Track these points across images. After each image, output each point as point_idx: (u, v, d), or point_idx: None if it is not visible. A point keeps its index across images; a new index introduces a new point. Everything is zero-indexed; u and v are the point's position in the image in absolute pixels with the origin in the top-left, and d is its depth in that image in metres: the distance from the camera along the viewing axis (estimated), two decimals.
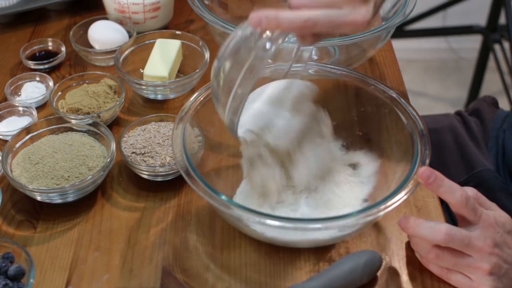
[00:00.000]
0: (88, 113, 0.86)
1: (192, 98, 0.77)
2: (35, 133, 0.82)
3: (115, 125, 0.89)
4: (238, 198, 0.76)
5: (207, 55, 0.93)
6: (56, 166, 0.77)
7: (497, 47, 2.03)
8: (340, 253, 0.70)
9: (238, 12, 1.06)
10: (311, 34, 0.65)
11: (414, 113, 0.75)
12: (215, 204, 0.65)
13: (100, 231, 0.75)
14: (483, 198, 0.70)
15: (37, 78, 0.96)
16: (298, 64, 0.77)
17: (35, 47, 1.01)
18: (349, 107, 0.84)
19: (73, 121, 0.83)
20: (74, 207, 0.78)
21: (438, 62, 2.46)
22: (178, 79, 0.93)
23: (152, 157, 0.79)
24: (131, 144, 0.80)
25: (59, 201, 0.76)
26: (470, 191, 0.68)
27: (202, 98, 0.78)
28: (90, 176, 0.75)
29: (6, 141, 0.85)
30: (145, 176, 0.80)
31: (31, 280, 0.66)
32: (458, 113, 1.04)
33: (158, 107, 0.92)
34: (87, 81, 0.92)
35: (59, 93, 0.90)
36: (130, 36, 1.01)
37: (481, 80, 2.13)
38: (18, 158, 0.79)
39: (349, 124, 0.83)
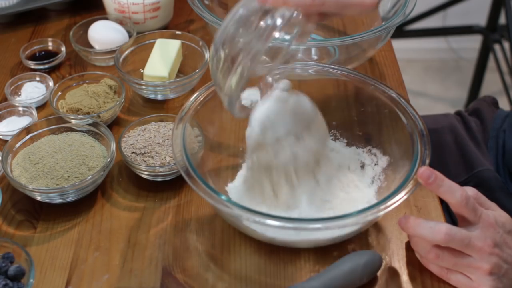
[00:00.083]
0: (88, 113, 0.86)
1: (192, 98, 0.77)
2: (35, 133, 0.82)
3: (115, 125, 0.89)
4: (232, 192, 0.76)
5: (207, 55, 0.93)
6: (56, 166, 0.77)
7: (497, 47, 2.03)
8: (340, 253, 0.70)
9: None
10: (318, 12, 0.65)
11: (414, 113, 0.75)
12: (215, 204, 0.65)
13: (100, 231, 0.75)
14: (483, 198, 0.70)
15: (37, 78, 0.96)
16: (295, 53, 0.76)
17: (35, 47, 1.01)
18: (349, 107, 0.84)
19: (73, 121, 0.83)
20: (74, 207, 0.78)
21: (438, 62, 2.46)
22: (178, 79, 0.93)
23: (152, 157, 0.79)
24: (131, 144, 0.80)
25: (59, 201, 0.76)
26: (470, 191, 0.68)
27: (202, 98, 0.78)
28: (90, 176, 0.75)
29: (6, 141, 0.85)
30: (145, 176, 0.80)
31: (31, 280, 0.66)
32: (458, 113, 1.04)
33: (158, 107, 0.92)
34: (87, 81, 0.92)
35: (59, 93, 0.90)
36: (130, 36, 1.01)
37: (481, 80, 2.13)
38: (18, 158, 0.79)
39: (349, 124, 0.83)
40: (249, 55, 0.63)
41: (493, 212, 0.68)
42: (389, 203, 0.65)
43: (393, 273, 0.70)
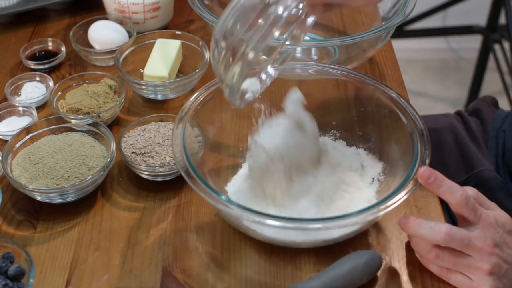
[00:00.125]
0: (88, 113, 0.86)
1: (192, 98, 0.77)
2: (35, 133, 0.82)
3: (115, 125, 0.89)
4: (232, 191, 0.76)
5: (207, 55, 0.93)
6: (56, 166, 0.77)
7: (497, 47, 2.03)
8: (340, 253, 0.70)
9: None
10: (323, 3, 0.64)
11: (414, 113, 0.75)
12: (215, 204, 0.65)
13: (100, 231, 0.75)
14: (483, 198, 0.70)
15: (37, 78, 0.96)
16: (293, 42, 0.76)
17: (35, 47, 1.01)
18: (349, 107, 0.84)
19: (73, 121, 0.83)
20: (74, 207, 0.78)
21: (438, 62, 2.46)
22: (178, 79, 0.93)
23: (152, 157, 0.79)
24: (131, 144, 0.80)
25: (59, 201, 0.76)
26: (470, 191, 0.68)
27: (202, 98, 0.78)
28: (90, 176, 0.75)
29: (6, 141, 0.85)
30: (145, 176, 0.80)
31: (31, 280, 0.66)
32: (458, 113, 1.04)
33: (158, 107, 0.92)
34: (87, 81, 0.92)
35: (59, 93, 0.90)
36: (130, 36, 1.01)
37: (481, 80, 2.13)
38: (18, 158, 0.79)
39: (349, 124, 0.83)
40: (250, 47, 0.63)
41: (493, 212, 0.68)
42: (389, 203, 0.65)
43: (393, 273, 0.70)
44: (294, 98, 0.75)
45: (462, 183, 0.69)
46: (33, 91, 0.93)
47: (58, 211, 0.77)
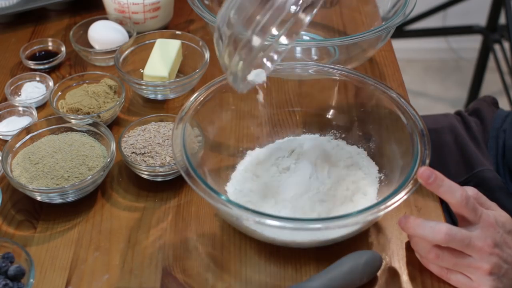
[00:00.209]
0: (88, 113, 0.86)
1: (192, 98, 0.77)
2: (35, 133, 0.82)
3: (115, 125, 0.89)
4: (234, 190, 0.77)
5: (207, 55, 0.93)
6: (56, 166, 0.77)
7: (497, 47, 2.03)
8: (340, 253, 0.70)
9: None
10: None
11: (414, 113, 0.75)
12: (215, 204, 0.65)
13: (100, 231, 0.75)
14: (483, 198, 0.70)
15: (37, 78, 0.96)
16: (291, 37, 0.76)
17: (35, 47, 1.01)
18: (349, 107, 0.84)
19: (73, 121, 0.83)
20: (74, 207, 0.78)
21: (438, 62, 2.46)
22: (178, 79, 0.93)
23: (152, 157, 0.79)
24: (131, 144, 0.80)
25: (59, 201, 0.76)
26: (471, 190, 0.68)
27: (202, 98, 0.78)
28: (90, 176, 0.75)
29: (6, 141, 0.85)
30: (145, 176, 0.80)
31: (31, 280, 0.66)
32: (458, 113, 1.04)
33: (158, 107, 0.92)
34: (87, 81, 0.92)
35: (59, 93, 0.90)
36: (130, 36, 1.01)
37: (481, 80, 2.13)
38: (18, 158, 0.79)
39: (349, 124, 0.83)
40: (254, 33, 0.63)
41: (493, 212, 0.68)
42: (389, 203, 0.65)
43: (393, 273, 0.70)
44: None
45: (462, 183, 0.69)
46: (33, 91, 0.93)
47: (58, 211, 0.77)
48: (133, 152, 0.79)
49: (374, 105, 0.81)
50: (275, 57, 0.74)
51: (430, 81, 2.39)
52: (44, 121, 0.83)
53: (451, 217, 0.84)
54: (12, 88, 0.93)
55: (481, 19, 2.10)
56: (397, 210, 0.71)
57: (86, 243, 0.74)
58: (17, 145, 0.80)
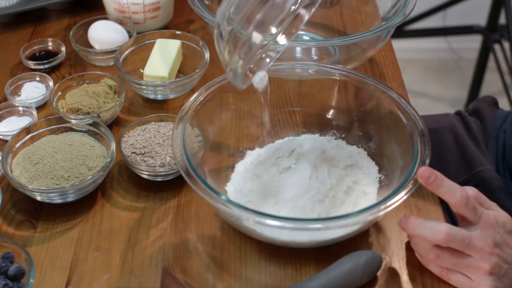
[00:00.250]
0: (88, 113, 0.86)
1: (192, 98, 0.77)
2: (35, 133, 0.82)
3: (115, 125, 0.89)
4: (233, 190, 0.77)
5: (207, 55, 0.93)
6: (56, 166, 0.77)
7: (497, 47, 2.03)
8: (340, 253, 0.70)
9: None
10: None
11: (414, 113, 0.75)
12: (215, 204, 0.65)
13: (100, 231, 0.75)
14: (483, 198, 0.70)
15: (37, 78, 0.96)
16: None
17: (35, 47, 1.01)
18: (349, 107, 0.84)
19: (73, 121, 0.83)
20: (74, 207, 0.78)
21: (438, 62, 2.46)
22: (178, 79, 0.93)
23: (152, 157, 0.79)
24: (131, 144, 0.80)
25: (59, 201, 0.76)
26: (471, 190, 0.68)
27: (202, 98, 0.78)
28: (90, 176, 0.75)
29: (6, 141, 0.85)
30: (145, 176, 0.80)
31: (31, 280, 0.66)
32: (458, 113, 1.04)
33: (158, 107, 0.92)
34: (87, 81, 0.92)
35: (59, 93, 0.90)
36: (130, 36, 1.01)
37: (481, 80, 2.13)
38: (18, 158, 0.79)
39: (349, 124, 0.83)
40: (254, 30, 0.64)
41: (494, 212, 0.68)
42: (389, 203, 0.65)
43: (393, 273, 0.70)
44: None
45: (462, 183, 0.69)
46: (33, 91, 0.93)
47: (58, 211, 0.77)
48: (133, 152, 0.79)
49: (374, 105, 0.81)
50: (274, 54, 0.74)
51: (430, 81, 2.39)
52: (44, 121, 0.83)
53: (451, 217, 0.84)
54: (12, 88, 0.93)
55: (481, 19, 2.10)
56: (397, 210, 0.71)
57: (86, 243, 0.74)
58: (17, 145, 0.80)
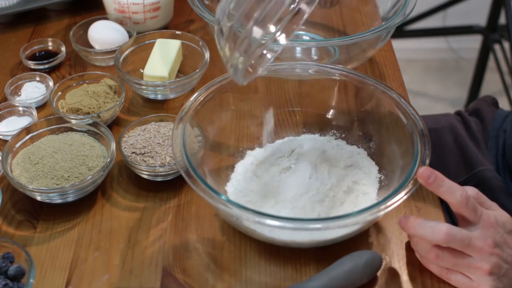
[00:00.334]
0: (88, 113, 0.86)
1: (192, 98, 0.77)
2: (35, 133, 0.82)
3: (115, 125, 0.89)
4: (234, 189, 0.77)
5: (207, 55, 0.93)
6: (56, 166, 0.77)
7: (497, 47, 2.03)
8: (340, 253, 0.70)
9: None
10: None
11: (414, 113, 0.75)
12: (215, 204, 0.65)
13: (100, 231, 0.75)
14: (483, 198, 0.70)
15: (37, 78, 0.96)
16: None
17: (35, 47, 1.01)
18: (349, 107, 0.84)
19: (73, 121, 0.83)
20: (74, 207, 0.78)
21: (438, 62, 2.46)
22: (178, 79, 0.93)
23: (152, 157, 0.79)
24: (131, 144, 0.80)
25: (59, 201, 0.76)
26: (471, 190, 0.68)
27: (202, 98, 0.78)
28: (90, 176, 0.75)
29: (6, 141, 0.85)
30: (145, 176, 0.80)
31: (31, 280, 0.66)
32: (458, 113, 1.04)
33: (158, 107, 0.92)
34: (87, 81, 0.92)
35: (59, 93, 0.90)
36: (130, 36, 1.01)
37: (481, 80, 2.13)
38: (18, 158, 0.79)
39: (349, 124, 0.83)
40: (255, 25, 0.64)
41: (494, 212, 0.68)
42: (389, 203, 0.65)
43: (393, 273, 0.70)
44: None
45: (462, 183, 0.69)
46: (33, 91, 0.93)
47: (58, 211, 0.77)
48: (133, 152, 0.79)
49: (374, 105, 0.81)
50: (276, 48, 0.73)
51: (430, 81, 2.39)
52: (44, 121, 0.83)
53: (451, 217, 0.84)
54: (12, 88, 0.93)
55: (481, 19, 2.10)
56: (397, 210, 0.71)
57: (86, 243, 0.74)
58: (17, 145, 0.80)
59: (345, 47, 0.94)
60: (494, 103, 1.04)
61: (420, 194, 0.78)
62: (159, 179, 0.80)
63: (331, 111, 0.85)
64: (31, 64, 0.98)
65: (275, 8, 0.64)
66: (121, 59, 0.93)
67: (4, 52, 1.04)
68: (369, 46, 0.93)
